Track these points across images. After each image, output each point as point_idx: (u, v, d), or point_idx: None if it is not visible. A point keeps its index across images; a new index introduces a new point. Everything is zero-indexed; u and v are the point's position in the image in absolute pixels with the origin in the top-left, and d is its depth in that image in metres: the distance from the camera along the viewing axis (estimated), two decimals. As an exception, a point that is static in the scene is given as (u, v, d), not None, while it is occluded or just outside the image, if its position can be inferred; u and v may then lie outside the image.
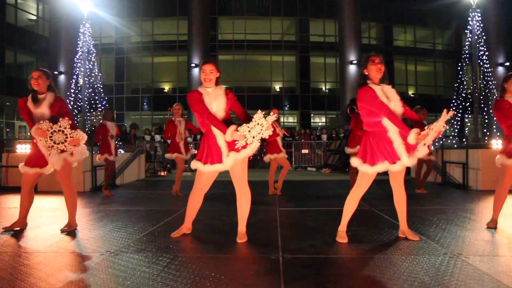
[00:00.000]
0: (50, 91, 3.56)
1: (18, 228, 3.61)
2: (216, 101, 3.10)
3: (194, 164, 3.15)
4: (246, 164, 3.22)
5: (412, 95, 23.81)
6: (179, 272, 2.42)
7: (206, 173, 3.13)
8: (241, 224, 3.25)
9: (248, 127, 2.85)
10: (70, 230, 3.59)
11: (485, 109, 10.08)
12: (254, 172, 12.04)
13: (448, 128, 9.76)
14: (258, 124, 2.85)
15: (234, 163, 3.08)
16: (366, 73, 3.06)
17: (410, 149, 2.94)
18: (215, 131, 3.06)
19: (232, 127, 2.89)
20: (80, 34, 11.04)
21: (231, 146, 3.03)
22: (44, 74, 3.55)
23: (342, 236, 3.17)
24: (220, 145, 3.06)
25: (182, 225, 3.41)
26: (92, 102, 10.81)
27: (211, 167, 3.07)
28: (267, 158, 6.23)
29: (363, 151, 3.05)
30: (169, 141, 6.64)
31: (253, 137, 2.87)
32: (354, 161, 3.07)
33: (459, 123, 10.08)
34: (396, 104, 2.97)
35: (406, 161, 2.91)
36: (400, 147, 2.92)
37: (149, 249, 2.97)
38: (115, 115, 7.58)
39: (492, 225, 3.59)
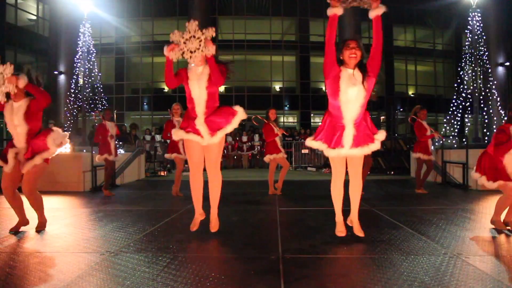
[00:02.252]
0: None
1: (23, 227, 3.63)
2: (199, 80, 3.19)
3: (176, 132, 3.27)
4: (222, 148, 3.33)
5: (412, 95, 23.81)
6: (179, 272, 2.42)
7: (190, 145, 3.25)
8: (213, 210, 3.40)
9: (183, 37, 2.92)
10: (43, 228, 3.65)
11: (485, 109, 10.08)
12: (254, 172, 12.04)
13: (448, 128, 9.77)
14: (194, 36, 2.91)
15: (211, 145, 3.20)
16: (341, 58, 3.02)
17: (359, 141, 2.96)
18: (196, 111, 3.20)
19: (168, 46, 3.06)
20: (80, 34, 11.05)
21: (211, 128, 3.15)
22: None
23: (340, 230, 3.18)
24: (198, 125, 3.18)
25: (193, 218, 3.47)
26: (92, 102, 10.80)
27: (191, 135, 3.18)
28: (266, 158, 6.22)
29: (318, 129, 3.15)
30: (168, 141, 6.64)
31: (191, 52, 2.94)
32: (309, 142, 3.18)
33: (459, 123, 10.08)
34: (357, 93, 2.94)
35: (345, 152, 2.96)
36: (348, 137, 2.95)
37: (149, 249, 2.97)
38: (115, 115, 7.57)
39: (497, 226, 3.56)
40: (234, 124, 3.21)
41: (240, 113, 3.23)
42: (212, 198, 3.41)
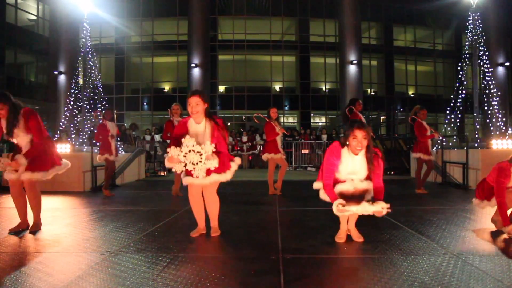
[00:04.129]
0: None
1: (22, 229, 3.62)
2: (201, 136, 3.14)
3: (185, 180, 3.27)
4: (216, 185, 3.32)
5: (412, 95, 23.80)
6: (179, 272, 2.42)
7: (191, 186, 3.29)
8: (213, 223, 3.45)
9: (182, 151, 2.95)
10: (38, 229, 3.65)
11: (485, 109, 10.07)
12: (254, 172, 12.04)
13: (448, 128, 9.76)
14: (193, 151, 2.93)
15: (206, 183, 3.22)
16: (347, 143, 2.94)
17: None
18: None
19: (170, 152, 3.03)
20: (80, 34, 11.04)
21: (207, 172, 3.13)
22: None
23: (341, 237, 3.19)
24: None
25: (196, 226, 3.49)
26: (92, 102, 10.79)
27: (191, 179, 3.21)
28: (264, 156, 6.21)
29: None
30: (168, 141, 6.64)
31: (195, 164, 2.95)
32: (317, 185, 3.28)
33: (459, 123, 10.08)
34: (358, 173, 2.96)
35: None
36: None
37: (149, 249, 2.97)
38: (115, 115, 7.58)
39: (498, 226, 3.55)
40: (228, 176, 3.24)
41: (235, 166, 3.32)
42: (211, 216, 3.45)
